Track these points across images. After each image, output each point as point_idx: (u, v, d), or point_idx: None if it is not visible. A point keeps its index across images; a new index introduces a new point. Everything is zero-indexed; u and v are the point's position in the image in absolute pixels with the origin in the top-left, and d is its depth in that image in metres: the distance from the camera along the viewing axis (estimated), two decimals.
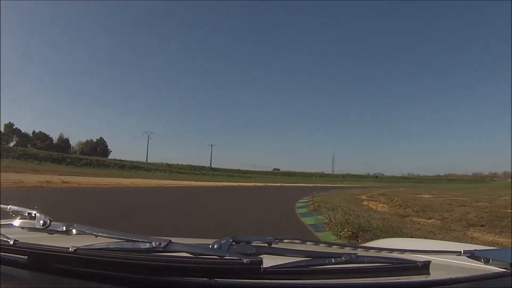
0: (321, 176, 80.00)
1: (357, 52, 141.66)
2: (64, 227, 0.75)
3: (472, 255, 0.82)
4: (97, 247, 0.70)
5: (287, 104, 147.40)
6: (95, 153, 73.65)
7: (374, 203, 13.83)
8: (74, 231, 0.75)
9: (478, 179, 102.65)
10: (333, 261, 0.73)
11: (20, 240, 0.71)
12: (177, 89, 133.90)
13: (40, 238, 0.94)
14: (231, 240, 0.72)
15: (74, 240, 0.78)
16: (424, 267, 0.75)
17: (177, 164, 74.25)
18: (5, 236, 0.72)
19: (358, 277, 0.75)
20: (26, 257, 0.71)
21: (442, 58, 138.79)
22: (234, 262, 0.66)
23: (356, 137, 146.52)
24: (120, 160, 65.88)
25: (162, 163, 72.77)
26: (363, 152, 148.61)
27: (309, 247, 0.82)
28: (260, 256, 0.68)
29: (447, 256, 0.91)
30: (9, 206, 0.81)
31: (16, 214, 0.80)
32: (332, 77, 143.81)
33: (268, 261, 0.69)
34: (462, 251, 0.85)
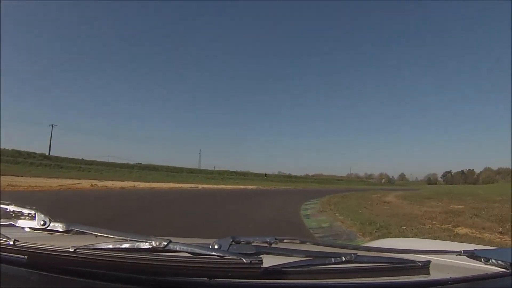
0: (191, 172, 61.39)
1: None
2: (64, 227, 0.75)
3: (472, 255, 0.82)
4: (97, 247, 0.70)
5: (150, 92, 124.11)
6: None
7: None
8: (74, 231, 0.75)
9: (356, 179, 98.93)
10: (333, 261, 0.73)
11: (20, 240, 0.71)
12: None
13: (40, 238, 0.94)
14: (231, 240, 0.72)
15: (74, 240, 0.78)
16: (424, 267, 0.75)
17: None
18: (5, 236, 0.72)
19: (358, 277, 0.75)
20: (26, 257, 0.71)
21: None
22: (234, 262, 0.66)
23: (230, 132, 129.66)
24: None
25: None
26: (241, 148, 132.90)
27: (309, 247, 0.82)
28: (260, 256, 0.68)
29: (447, 256, 0.91)
30: (9, 206, 0.81)
31: (16, 214, 0.80)
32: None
33: (268, 261, 0.69)
34: (462, 251, 0.85)
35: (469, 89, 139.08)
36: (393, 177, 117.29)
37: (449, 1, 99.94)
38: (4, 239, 0.71)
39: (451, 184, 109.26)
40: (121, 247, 0.70)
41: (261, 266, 0.65)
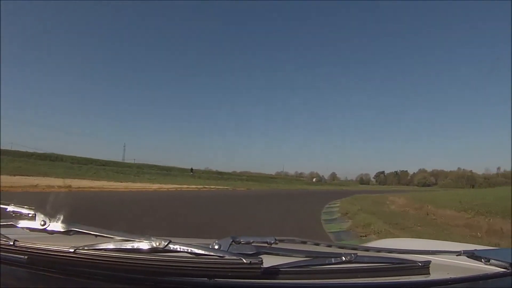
0: (103, 164, 46.21)
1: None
2: (64, 227, 0.75)
3: (472, 255, 0.82)
4: (97, 247, 0.70)
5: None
6: None
7: None
8: (74, 231, 0.75)
9: (287, 178, 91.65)
10: (333, 261, 0.73)
11: (20, 240, 0.71)
12: None
13: (40, 238, 0.94)
14: (231, 240, 0.72)
15: (74, 240, 0.78)
16: (424, 267, 0.75)
17: None
18: (5, 236, 0.72)
19: (358, 277, 0.75)
20: (26, 257, 0.71)
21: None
22: (234, 262, 0.65)
23: (157, 125, 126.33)
24: None
25: None
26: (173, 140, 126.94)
27: (309, 247, 0.82)
28: (260, 256, 0.68)
29: (447, 256, 0.91)
30: (9, 206, 0.81)
31: (16, 214, 0.80)
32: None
33: (268, 261, 0.69)
34: (462, 251, 0.85)
35: (399, 89, 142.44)
36: (323, 176, 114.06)
37: (449, 1, 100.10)
38: (4, 239, 0.71)
39: (384, 185, 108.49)
40: (121, 247, 0.70)
41: (261, 266, 0.65)
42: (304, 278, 0.74)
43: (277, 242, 0.75)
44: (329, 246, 0.84)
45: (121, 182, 28.19)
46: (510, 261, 0.78)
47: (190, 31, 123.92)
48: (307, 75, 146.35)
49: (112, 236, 0.73)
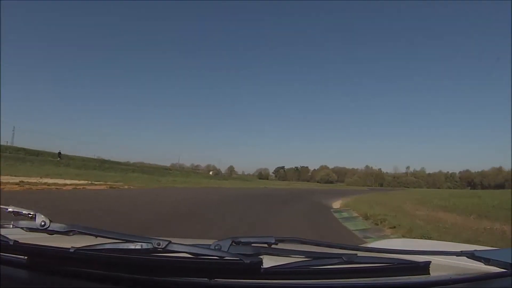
0: None
1: None
2: (64, 228, 0.75)
3: (472, 255, 0.82)
4: (97, 248, 0.70)
5: None
6: None
7: None
8: (74, 231, 0.75)
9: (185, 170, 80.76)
10: (333, 261, 0.73)
11: (20, 240, 0.71)
12: None
13: (40, 238, 0.94)
14: (231, 241, 0.72)
15: (74, 240, 0.78)
16: (424, 267, 0.75)
17: None
18: (5, 236, 0.72)
19: (358, 277, 0.75)
20: (26, 257, 0.71)
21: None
22: (234, 263, 0.66)
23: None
24: None
25: None
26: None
27: (309, 247, 0.82)
28: (260, 256, 0.68)
29: (447, 256, 0.91)
30: (9, 207, 0.81)
31: (16, 214, 0.80)
32: None
33: (268, 262, 0.69)
34: (462, 251, 0.85)
35: (285, 85, 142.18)
36: (219, 169, 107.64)
37: (449, 1, 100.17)
38: (4, 239, 0.71)
39: (284, 180, 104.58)
40: (121, 247, 0.70)
41: (261, 266, 0.65)
42: (304, 278, 0.74)
43: (277, 242, 0.75)
44: (329, 246, 0.84)
45: None
46: (510, 261, 0.78)
47: None
48: (195, 63, 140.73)
49: (112, 236, 0.73)
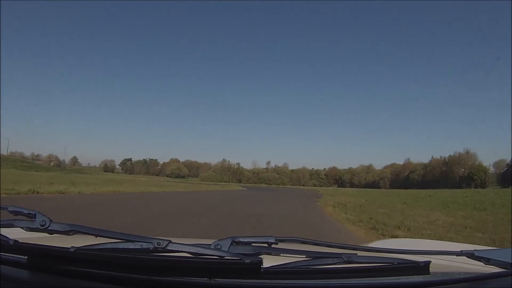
0: None
1: None
2: (64, 227, 0.75)
3: (472, 255, 0.82)
4: (97, 247, 0.70)
5: None
6: None
7: None
8: (74, 231, 0.75)
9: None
10: (333, 261, 0.73)
11: (20, 240, 0.71)
12: None
13: (40, 238, 0.94)
14: (231, 240, 0.72)
15: (74, 240, 0.78)
16: (424, 267, 0.75)
17: None
18: (5, 236, 0.72)
19: (358, 277, 0.75)
20: (26, 257, 0.71)
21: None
22: (234, 262, 0.66)
23: None
24: None
25: None
26: None
27: (309, 247, 0.82)
28: (260, 256, 0.68)
29: (447, 256, 0.91)
30: (9, 206, 0.81)
31: (16, 214, 0.80)
32: None
33: (268, 261, 0.69)
34: (462, 251, 0.85)
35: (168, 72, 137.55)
36: (63, 160, 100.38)
37: (449, 1, 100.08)
38: (4, 239, 0.71)
39: (131, 174, 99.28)
40: (121, 247, 0.70)
41: (261, 266, 0.65)
42: (304, 278, 0.74)
43: (277, 242, 0.75)
44: (329, 246, 0.84)
45: None
46: (510, 261, 0.78)
47: None
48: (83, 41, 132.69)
49: (112, 236, 0.73)
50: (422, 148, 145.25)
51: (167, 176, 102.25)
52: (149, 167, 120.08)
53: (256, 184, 79.98)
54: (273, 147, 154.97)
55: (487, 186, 76.46)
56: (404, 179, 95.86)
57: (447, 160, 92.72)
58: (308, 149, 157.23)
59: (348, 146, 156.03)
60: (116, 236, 0.72)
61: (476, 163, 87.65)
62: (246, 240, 0.73)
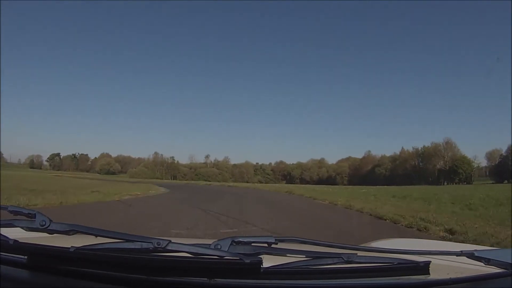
0: None
1: None
2: (64, 227, 0.75)
3: (472, 255, 0.82)
4: (97, 247, 0.70)
5: None
6: None
7: None
8: (74, 231, 0.75)
9: None
10: (333, 261, 0.73)
11: (20, 240, 0.71)
12: None
13: (40, 238, 0.94)
14: (231, 240, 0.72)
15: (74, 240, 0.78)
16: (424, 267, 0.75)
17: None
18: (5, 236, 0.72)
19: (358, 277, 0.75)
20: (26, 257, 0.71)
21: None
22: (234, 262, 0.66)
23: None
24: None
25: None
26: None
27: (309, 247, 0.82)
28: (260, 256, 0.68)
29: (447, 256, 0.91)
30: (9, 206, 0.81)
31: (16, 213, 0.80)
32: None
33: (268, 261, 0.69)
34: (462, 251, 0.85)
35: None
36: None
37: (449, 1, 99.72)
38: (4, 239, 0.71)
39: (59, 170, 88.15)
40: (121, 247, 0.70)
41: (261, 266, 0.65)
42: (304, 278, 0.74)
43: (277, 242, 0.75)
44: (329, 246, 0.84)
45: None
46: (510, 261, 0.78)
47: None
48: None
49: (112, 236, 0.73)
50: (388, 139, 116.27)
51: (97, 173, 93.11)
52: (78, 163, 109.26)
53: (192, 182, 64.59)
54: (212, 139, 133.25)
55: (473, 181, 68.37)
56: (367, 174, 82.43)
57: (420, 151, 79.10)
58: (252, 142, 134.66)
59: (296, 138, 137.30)
60: (116, 236, 0.72)
61: (458, 155, 74.23)
62: (246, 240, 0.73)
